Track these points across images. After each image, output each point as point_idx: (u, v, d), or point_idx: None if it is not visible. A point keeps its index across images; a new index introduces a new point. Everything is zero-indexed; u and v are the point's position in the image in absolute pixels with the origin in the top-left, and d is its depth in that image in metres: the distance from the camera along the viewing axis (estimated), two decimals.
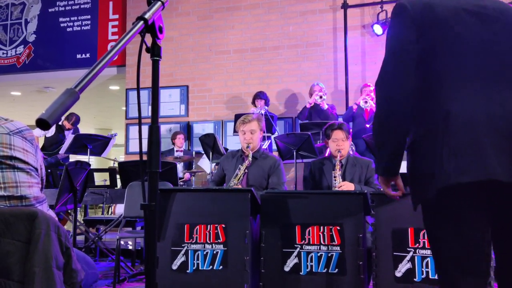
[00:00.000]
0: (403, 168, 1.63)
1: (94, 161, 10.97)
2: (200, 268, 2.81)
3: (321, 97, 5.74)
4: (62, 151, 5.89)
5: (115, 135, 6.62)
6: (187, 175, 6.32)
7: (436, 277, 2.60)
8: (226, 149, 5.89)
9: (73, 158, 6.69)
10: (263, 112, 5.79)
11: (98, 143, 5.55)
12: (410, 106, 1.52)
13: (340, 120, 5.78)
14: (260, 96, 6.13)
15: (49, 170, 5.63)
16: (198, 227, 2.84)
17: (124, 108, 7.75)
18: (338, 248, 2.70)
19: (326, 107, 5.77)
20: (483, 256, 1.49)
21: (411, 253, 2.65)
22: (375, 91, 1.61)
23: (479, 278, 1.49)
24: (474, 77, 1.50)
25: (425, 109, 1.53)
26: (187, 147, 7.04)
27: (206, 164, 6.00)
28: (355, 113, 5.83)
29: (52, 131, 6.54)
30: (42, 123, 0.92)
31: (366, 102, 5.69)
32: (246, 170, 3.56)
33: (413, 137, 1.55)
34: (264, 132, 3.82)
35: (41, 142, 6.68)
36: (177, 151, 6.46)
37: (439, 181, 1.44)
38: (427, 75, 1.53)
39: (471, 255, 1.48)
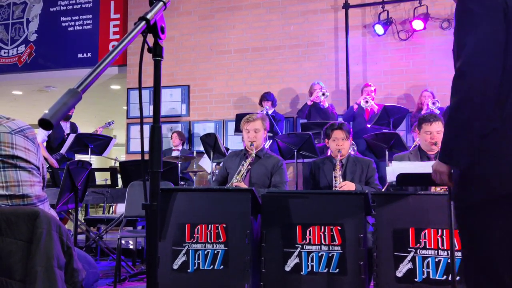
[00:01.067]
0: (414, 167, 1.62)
1: (95, 161, 10.96)
2: (201, 267, 2.81)
3: (324, 94, 5.73)
4: (63, 150, 5.89)
5: (112, 123, 6.62)
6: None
7: (436, 277, 2.60)
8: (227, 149, 5.89)
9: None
10: (270, 112, 5.80)
11: (99, 143, 5.55)
12: (493, 102, 1.43)
13: (340, 119, 5.78)
14: (267, 97, 6.09)
15: (50, 169, 5.63)
16: (199, 226, 2.84)
17: (125, 107, 7.76)
18: (339, 248, 2.71)
19: (326, 105, 5.77)
20: None
21: (412, 253, 2.65)
22: (454, 86, 1.49)
23: None
24: None
25: (503, 103, 1.45)
26: (189, 147, 7.04)
27: (207, 164, 6.00)
28: (356, 113, 5.83)
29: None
30: (45, 123, 0.92)
31: (367, 102, 5.68)
32: (249, 167, 3.56)
33: (484, 132, 1.46)
34: (267, 132, 3.83)
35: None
36: (174, 150, 6.45)
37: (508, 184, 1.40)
38: (506, 67, 1.44)
39: None
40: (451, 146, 1.51)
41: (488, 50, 1.43)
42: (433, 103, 5.44)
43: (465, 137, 1.47)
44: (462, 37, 1.49)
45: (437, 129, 3.30)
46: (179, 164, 5.19)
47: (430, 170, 1.85)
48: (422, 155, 3.40)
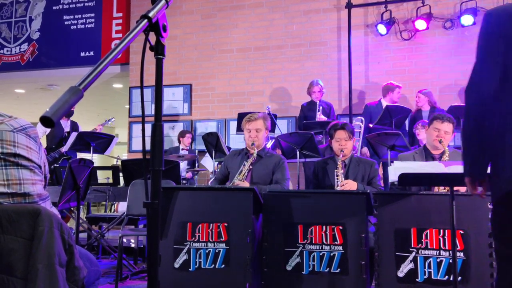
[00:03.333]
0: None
1: (97, 159, 10.96)
2: (202, 266, 2.81)
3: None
4: (65, 148, 5.90)
5: (111, 120, 6.63)
6: (189, 174, 6.33)
7: (438, 277, 2.60)
8: (229, 148, 5.89)
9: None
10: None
11: (101, 141, 5.55)
12: (496, 111, 1.59)
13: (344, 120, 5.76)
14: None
15: (52, 167, 5.64)
16: (200, 225, 2.85)
17: (127, 106, 7.77)
18: (341, 247, 2.70)
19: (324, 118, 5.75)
20: None
21: (413, 253, 2.65)
22: (465, 98, 1.67)
23: None
24: None
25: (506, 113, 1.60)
26: (191, 147, 7.05)
27: (209, 163, 6.00)
28: (374, 109, 5.75)
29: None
30: (46, 121, 0.92)
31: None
32: (250, 167, 3.56)
33: (485, 140, 1.64)
34: (269, 131, 3.83)
35: (44, 142, 6.69)
36: (183, 149, 6.46)
37: (504, 186, 1.56)
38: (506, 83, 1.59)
39: None
40: (463, 158, 1.72)
41: (484, 70, 1.61)
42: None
43: (470, 149, 1.67)
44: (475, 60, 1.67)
45: (446, 129, 3.30)
46: (181, 163, 5.20)
47: (432, 170, 1.88)
48: (427, 155, 3.39)
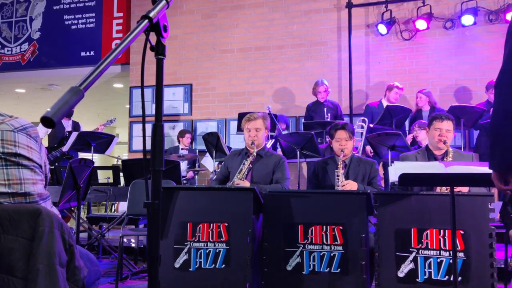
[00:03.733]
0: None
1: (97, 159, 10.96)
2: (202, 266, 2.81)
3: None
4: (66, 148, 5.90)
5: (114, 120, 6.64)
6: (190, 174, 6.35)
7: (438, 277, 2.60)
8: (230, 148, 5.89)
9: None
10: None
11: (102, 141, 5.55)
12: None
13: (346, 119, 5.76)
14: (280, 121, 5.94)
15: (52, 167, 5.63)
16: (201, 225, 2.85)
17: (128, 106, 7.77)
18: (341, 248, 2.70)
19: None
20: None
21: (413, 254, 2.65)
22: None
23: None
24: None
25: None
26: (191, 146, 7.05)
27: (209, 163, 6.00)
28: (375, 110, 5.74)
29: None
30: (46, 121, 0.92)
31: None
32: (250, 166, 3.56)
33: None
34: (269, 131, 3.82)
35: (45, 141, 6.69)
36: (182, 149, 6.46)
37: None
38: None
39: None
40: (490, 152, 1.64)
41: None
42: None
43: (498, 143, 1.58)
44: (506, 47, 1.59)
45: (447, 127, 3.30)
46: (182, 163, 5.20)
47: (432, 171, 1.86)
48: (429, 155, 3.39)
